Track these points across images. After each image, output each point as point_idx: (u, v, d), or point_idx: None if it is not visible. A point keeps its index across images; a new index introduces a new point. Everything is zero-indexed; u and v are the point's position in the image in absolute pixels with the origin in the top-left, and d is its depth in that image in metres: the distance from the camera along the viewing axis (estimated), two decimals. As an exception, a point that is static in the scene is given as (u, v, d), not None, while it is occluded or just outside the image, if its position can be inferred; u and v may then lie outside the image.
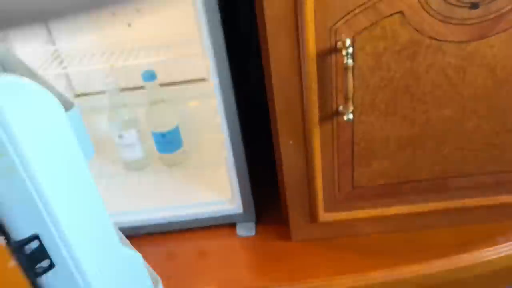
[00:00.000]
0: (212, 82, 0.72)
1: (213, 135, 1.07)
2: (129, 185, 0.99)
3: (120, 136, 0.97)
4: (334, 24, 0.58)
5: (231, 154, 0.82)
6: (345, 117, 0.63)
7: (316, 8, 0.56)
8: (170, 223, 0.89)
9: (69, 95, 1.04)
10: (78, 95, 1.06)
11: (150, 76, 0.91)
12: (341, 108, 0.64)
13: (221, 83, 0.71)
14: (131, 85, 1.03)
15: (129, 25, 0.96)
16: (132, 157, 1.00)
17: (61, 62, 0.92)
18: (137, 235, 0.90)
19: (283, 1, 0.57)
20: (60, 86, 1.01)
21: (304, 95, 0.64)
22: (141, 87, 0.95)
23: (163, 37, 0.93)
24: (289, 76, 0.63)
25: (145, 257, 0.86)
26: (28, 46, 0.88)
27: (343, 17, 0.57)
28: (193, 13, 0.67)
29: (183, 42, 0.93)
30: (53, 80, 0.86)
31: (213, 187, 0.94)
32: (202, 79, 1.04)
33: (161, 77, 0.96)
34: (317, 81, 0.62)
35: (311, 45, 0.59)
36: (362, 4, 0.57)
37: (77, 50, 0.95)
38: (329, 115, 0.65)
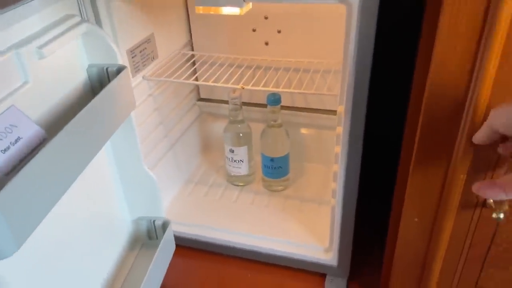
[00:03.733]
0: (342, 109, 0.66)
1: (322, 166, 1.02)
2: (225, 199, 0.98)
3: (231, 151, 0.96)
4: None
5: (341, 199, 0.75)
6: (493, 215, 0.52)
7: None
8: (257, 252, 0.86)
9: (193, 98, 1.07)
10: (201, 99, 1.08)
11: (275, 100, 0.88)
12: (491, 201, 0.54)
13: (354, 112, 0.65)
14: (254, 101, 1.02)
15: (267, 43, 0.94)
16: (236, 172, 0.99)
17: (194, 68, 0.94)
18: (212, 252, 0.89)
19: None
20: (187, 90, 1.03)
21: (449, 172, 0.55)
22: (263, 105, 0.93)
23: (299, 60, 0.91)
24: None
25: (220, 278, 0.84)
26: (169, 48, 0.91)
27: None
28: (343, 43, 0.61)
29: (318, 67, 0.90)
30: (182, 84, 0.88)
31: (310, 227, 0.88)
32: (325, 110, 0.98)
33: (284, 100, 0.93)
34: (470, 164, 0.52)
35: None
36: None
37: (214, 58, 0.96)
38: (473, 204, 0.55)
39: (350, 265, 0.81)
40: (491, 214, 0.53)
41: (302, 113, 1.00)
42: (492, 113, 0.47)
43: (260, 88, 0.81)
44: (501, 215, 0.52)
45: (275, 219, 0.92)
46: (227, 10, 0.68)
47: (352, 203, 0.74)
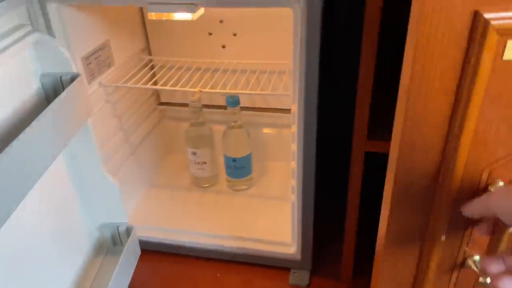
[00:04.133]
0: (295, 108, 0.68)
1: (284, 164, 1.05)
2: (190, 201, 0.99)
3: (194, 153, 0.97)
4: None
5: (300, 194, 0.78)
6: (480, 279, 0.52)
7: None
8: (224, 252, 0.88)
9: (154, 103, 1.07)
10: (162, 103, 1.08)
11: (233, 102, 0.90)
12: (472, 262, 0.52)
13: (306, 110, 0.68)
14: (214, 103, 1.03)
15: (224, 47, 0.96)
16: (200, 174, 1.01)
17: (153, 73, 0.94)
18: (180, 255, 0.90)
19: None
20: (146, 94, 1.04)
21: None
22: (224, 107, 0.95)
23: (255, 62, 0.93)
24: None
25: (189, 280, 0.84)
26: (126, 54, 0.91)
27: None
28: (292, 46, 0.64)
29: (274, 67, 0.92)
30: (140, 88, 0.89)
31: (274, 223, 0.91)
32: (284, 109, 1.01)
33: (244, 101, 0.95)
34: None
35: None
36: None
37: (172, 62, 0.97)
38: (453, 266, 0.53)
39: (313, 258, 0.84)
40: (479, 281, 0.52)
41: (263, 113, 1.02)
42: (495, 195, 0.43)
43: (217, 90, 0.83)
44: (488, 280, 0.51)
45: (240, 218, 0.94)
46: (180, 16, 0.70)
47: (310, 198, 0.77)
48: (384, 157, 0.51)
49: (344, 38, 0.95)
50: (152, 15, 0.73)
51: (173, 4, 0.64)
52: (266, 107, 1.01)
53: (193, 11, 0.65)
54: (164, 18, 0.73)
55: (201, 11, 0.68)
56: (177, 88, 0.82)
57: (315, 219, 0.80)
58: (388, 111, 0.51)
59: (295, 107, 0.69)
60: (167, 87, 0.83)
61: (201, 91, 0.81)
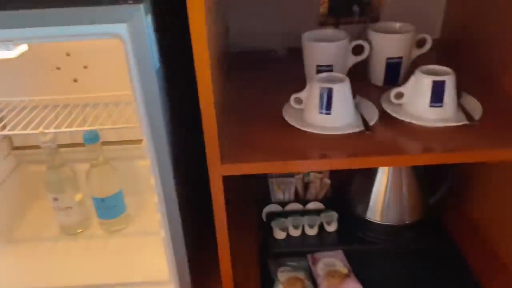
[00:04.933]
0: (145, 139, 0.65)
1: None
2: (57, 252, 0.89)
3: (55, 199, 0.89)
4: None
5: (167, 228, 0.74)
6: None
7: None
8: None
9: (6, 148, 0.96)
10: (16, 148, 0.97)
11: (91, 138, 0.84)
12: None
13: (155, 142, 0.64)
14: (76, 141, 0.95)
15: (76, 80, 0.89)
16: (67, 221, 0.92)
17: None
18: None
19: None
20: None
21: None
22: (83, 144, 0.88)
23: (108, 95, 0.88)
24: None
25: None
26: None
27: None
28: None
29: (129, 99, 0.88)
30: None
31: (153, 261, 0.85)
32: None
33: (107, 135, 0.89)
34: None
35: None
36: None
37: (18, 103, 0.87)
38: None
39: (195, 291, 0.81)
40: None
41: (131, 146, 0.97)
42: None
43: (63, 130, 0.76)
44: None
45: (115, 261, 0.86)
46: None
47: (178, 231, 0.74)
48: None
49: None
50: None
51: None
52: (134, 138, 0.96)
53: (9, 49, 0.59)
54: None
55: (23, 47, 0.62)
56: (15, 132, 0.74)
57: (194, 249, 0.77)
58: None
59: (144, 142, 0.66)
60: (5, 132, 0.75)
61: (43, 132, 0.74)
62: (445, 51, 1.02)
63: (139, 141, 0.97)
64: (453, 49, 1.02)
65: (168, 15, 0.71)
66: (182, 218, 0.73)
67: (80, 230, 0.94)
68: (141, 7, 0.54)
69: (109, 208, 0.91)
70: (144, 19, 0.55)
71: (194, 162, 0.92)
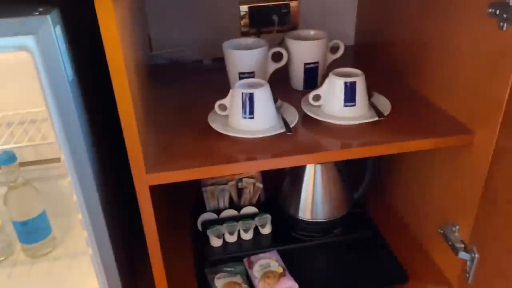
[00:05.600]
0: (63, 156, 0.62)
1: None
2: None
3: (-31, 227, 0.82)
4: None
5: (95, 246, 0.71)
6: None
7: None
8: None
9: None
10: None
11: (7, 158, 0.79)
12: None
13: (75, 159, 0.62)
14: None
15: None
16: (-16, 250, 0.85)
17: None
18: None
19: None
20: None
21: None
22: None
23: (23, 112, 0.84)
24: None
25: None
26: None
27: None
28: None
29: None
30: None
31: (82, 283, 0.82)
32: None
33: (26, 155, 0.85)
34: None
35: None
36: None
37: None
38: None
39: (130, 308, 0.78)
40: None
41: (54, 165, 0.93)
42: None
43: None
44: None
45: (40, 287, 0.82)
46: None
47: (107, 248, 0.71)
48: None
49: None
50: None
51: None
52: (54, 157, 0.92)
53: None
54: None
55: None
56: None
57: (127, 265, 0.75)
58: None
59: (63, 156, 0.63)
60: None
61: None
62: (357, 56, 1.10)
63: (58, 160, 0.93)
64: (365, 54, 1.10)
65: (81, 25, 0.69)
66: (110, 234, 0.71)
67: (2, 258, 0.88)
68: (48, 18, 0.53)
69: (32, 231, 0.85)
70: (52, 30, 0.54)
71: (122, 174, 0.90)
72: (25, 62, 0.83)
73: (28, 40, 0.53)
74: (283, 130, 0.72)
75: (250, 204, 1.02)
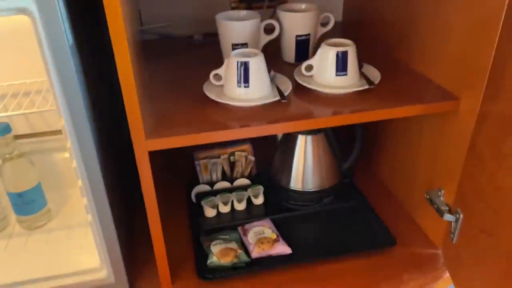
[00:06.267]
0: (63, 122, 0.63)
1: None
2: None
3: (-36, 199, 0.82)
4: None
5: (95, 213, 0.73)
6: None
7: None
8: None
9: None
10: None
11: (2, 129, 0.79)
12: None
13: (75, 125, 0.63)
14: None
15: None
16: (-20, 222, 0.85)
17: None
18: None
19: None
20: None
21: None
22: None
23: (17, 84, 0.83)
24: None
25: None
26: None
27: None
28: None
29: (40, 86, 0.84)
30: None
31: (80, 251, 0.83)
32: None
33: (19, 128, 0.85)
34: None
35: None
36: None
37: None
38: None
39: (129, 276, 0.80)
40: None
41: (48, 138, 0.93)
42: None
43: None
44: None
45: (37, 257, 0.82)
46: None
47: (107, 214, 0.73)
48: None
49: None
50: None
51: None
52: (47, 130, 0.92)
53: None
54: None
55: None
56: None
57: (125, 232, 0.76)
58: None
59: (63, 122, 0.64)
60: None
61: None
62: (346, 31, 1.12)
63: (53, 132, 0.93)
64: (354, 30, 1.12)
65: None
66: (110, 201, 0.72)
67: (-4, 231, 0.88)
68: (49, -21, 0.53)
69: (28, 203, 0.86)
70: (53, -8, 0.54)
71: (122, 143, 0.91)
72: (20, 30, 0.83)
73: (29, 2, 0.54)
74: (277, 98, 0.74)
75: (243, 177, 1.05)
